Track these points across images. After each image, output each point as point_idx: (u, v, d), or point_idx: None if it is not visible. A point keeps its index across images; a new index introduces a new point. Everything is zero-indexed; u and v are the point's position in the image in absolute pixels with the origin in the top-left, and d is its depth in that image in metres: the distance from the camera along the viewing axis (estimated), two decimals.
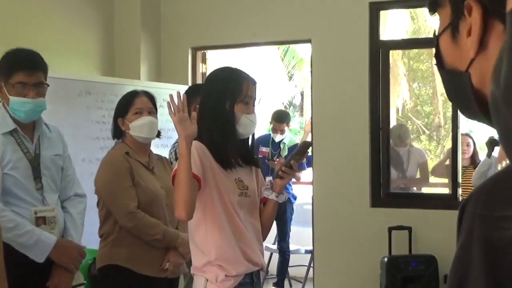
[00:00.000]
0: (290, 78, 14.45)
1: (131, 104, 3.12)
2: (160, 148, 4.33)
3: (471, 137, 5.84)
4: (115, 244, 3.04)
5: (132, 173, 3.03)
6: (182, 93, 2.40)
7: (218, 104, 2.45)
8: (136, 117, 3.10)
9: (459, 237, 0.72)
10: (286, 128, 6.21)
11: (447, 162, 5.36)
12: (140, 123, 3.09)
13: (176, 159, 3.60)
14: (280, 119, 6.21)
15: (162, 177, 3.14)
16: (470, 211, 0.71)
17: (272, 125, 6.27)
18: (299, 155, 2.56)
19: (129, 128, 3.11)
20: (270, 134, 6.31)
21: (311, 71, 5.20)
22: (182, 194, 2.24)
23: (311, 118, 5.21)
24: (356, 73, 4.97)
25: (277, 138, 6.16)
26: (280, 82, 13.50)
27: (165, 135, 4.14)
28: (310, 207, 5.27)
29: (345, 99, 4.99)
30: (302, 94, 16.00)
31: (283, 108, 11.95)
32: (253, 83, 2.50)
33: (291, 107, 15.99)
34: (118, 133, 3.16)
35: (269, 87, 12.48)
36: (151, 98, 3.18)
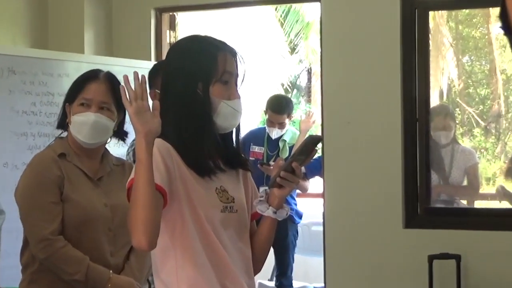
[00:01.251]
0: (293, 50, 14.47)
1: (80, 90, 3.13)
2: (114, 147, 4.33)
3: None
4: (33, 279, 3.06)
5: (62, 184, 3.04)
6: (142, 73, 2.40)
7: (186, 87, 2.44)
8: (80, 109, 3.10)
9: None
10: (286, 121, 6.21)
11: None
12: (79, 121, 3.08)
13: (134, 162, 3.61)
14: (279, 108, 6.20)
15: (110, 192, 3.14)
16: None
17: (267, 116, 6.27)
18: (304, 155, 2.53)
19: (71, 121, 3.12)
20: (264, 129, 6.32)
21: (321, 41, 5.21)
22: (141, 213, 2.23)
23: (321, 104, 5.22)
24: (383, 43, 4.98)
25: (275, 134, 6.16)
26: (280, 55, 13.51)
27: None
28: (321, 228, 5.28)
29: (368, 79, 5.00)
30: (309, 72, 16.02)
31: (283, 93, 11.99)
32: (233, 54, 2.50)
33: (295, 90, 16.02)
34: (63, 123, 3.17)
35: (264, 63, 12.48)
36: (112, 87, 3.13)
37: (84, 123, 3.07)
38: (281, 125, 6.16)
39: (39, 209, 3.00)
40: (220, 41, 2.53)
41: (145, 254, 3.01)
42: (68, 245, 2.99)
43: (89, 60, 4.61)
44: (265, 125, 6.35)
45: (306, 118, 6.37)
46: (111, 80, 3.16)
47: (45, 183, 3.02)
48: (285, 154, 6.05)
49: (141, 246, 2.26)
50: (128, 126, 3.35)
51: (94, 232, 3.06)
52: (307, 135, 6.15)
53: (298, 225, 6.35)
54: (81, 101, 3.10)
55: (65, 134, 3.18)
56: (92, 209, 3.06)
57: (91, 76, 3.16)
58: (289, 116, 6.25)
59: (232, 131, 2.56)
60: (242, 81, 2.55)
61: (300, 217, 6.37)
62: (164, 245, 2.39)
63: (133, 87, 2.31)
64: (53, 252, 2.98)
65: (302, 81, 16.76)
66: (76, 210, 3.03)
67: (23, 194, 3.07)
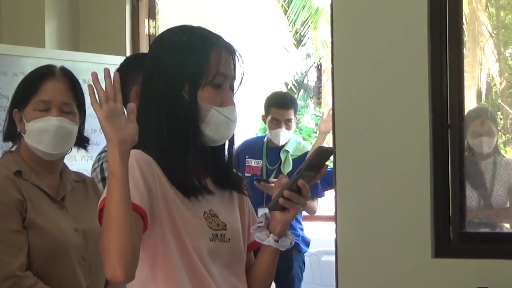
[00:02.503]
0: (299, 42, 14.51)
1: (35, 91, 3.13)
2: (80, 161, 4.36)
3: None
4: None
5: (24, 208, 3.04)
6: (114, 70, 2.40)
7: (169, 88, 2.46)
8: (36, 115, 3.10)
9: None
10: (293, 119, 6.17)
11: None
12: (38, 128, 3.09)
13: (103, 180, 3.62)
14: (284, 102, 6.17)
15: (79, 214, 3.15)
16: None
17: (270, 117, 6.20)
18: (313, 172, 2.55)
19: (25, 130, 3.13)
20: (262, 138, 6.31)
21: (332, 31, 5.23)
22: (115, 239, 2.22)
23: (333, 108, 5.24)
24: (407, 33, 5.00)
25: (282, 136, 6.08)
26: (283, 49, 13.54)
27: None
28: (332, 258, 5.29)
29: (390, 77, 5.02)
30: (319, 69, 16.05)
31: (286, 91, 12.00)
32: (230, 51, 2.51)
33: (301, 91, 16.04)
34: (13, 133, 3.18)
35: (264, 58, 12.50)
36: (71, 84, 3.16)
37: (44, 130, 3.08)
38: (288, 124, 6.12)
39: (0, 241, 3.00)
40: (215, 35, 2.52)
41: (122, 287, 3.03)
42: (39, 282, 3.01)
43: (51, 56, 4.62)
44: (266, 132, 6.33)
45: (327, 117, 6.34)
46: (69, 76, 3.18)
47: (3, 210, 3.01)
48: (288, 168, 6.03)
49: (116, 278, 2.24)
50: (96, 135, 3.40)
51: (67, 263, 3.07)
52: (322, 143, 6.16)
53: (305, 254, 6.36)
54: (37, 104, 3.10)
55: (14, 147, 3.17)
56: (62, 236, 3.07)
57: (46, 73, 3.16)
58: (295, 114, 6.24)
59: (224, 144, 2.57)
60: (240, 85, 2.55)
61: (308, 244, 6.38)
62: (143, 277, 2.40)
63: (103, 86, 2.28)
64: None
65: (311, 80, 16.78)
66: (43, 238, 3.04)
67: None
